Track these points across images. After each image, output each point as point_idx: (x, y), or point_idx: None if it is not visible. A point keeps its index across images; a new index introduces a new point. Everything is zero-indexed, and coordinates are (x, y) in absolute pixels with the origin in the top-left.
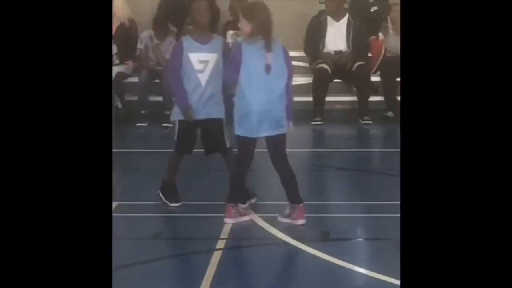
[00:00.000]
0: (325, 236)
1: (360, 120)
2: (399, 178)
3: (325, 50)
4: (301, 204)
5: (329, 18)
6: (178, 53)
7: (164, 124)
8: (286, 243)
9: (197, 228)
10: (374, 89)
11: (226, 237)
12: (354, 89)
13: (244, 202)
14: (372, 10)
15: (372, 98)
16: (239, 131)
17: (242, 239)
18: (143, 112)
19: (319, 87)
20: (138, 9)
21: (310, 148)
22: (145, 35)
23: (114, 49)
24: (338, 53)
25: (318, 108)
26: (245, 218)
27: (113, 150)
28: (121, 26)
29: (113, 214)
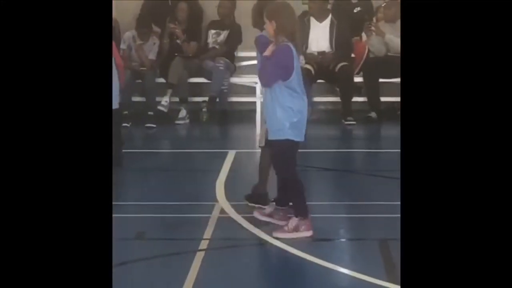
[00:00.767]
0: (308, 237)
1: (343, 120)
2: (383, 178)
3: (308, 51)
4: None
5: (312, 19)
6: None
7: (147, 125)
8: (269, 243)
9: (180, 228)
10: (357, 89)
11: (209, 237)
12: (337, 89)
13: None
14: (355, 11)
15: (355, 99)
16: (292, 136)
17: (225, 239)
18: (125, 112)
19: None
20: (121, 9)
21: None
22: (128, 35)
23: None
24: (321, 53)
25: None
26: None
27: None
28: None
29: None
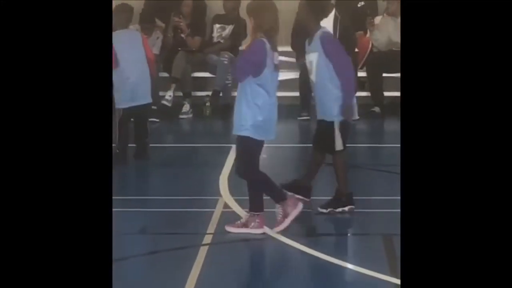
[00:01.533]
0: (311, 231)
1: None
2: (386, 173)
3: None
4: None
5: None
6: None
7: (151, 119)
8: (272, 238)
9: (183, 223)
10: (361, 84)
11: (213, 232)
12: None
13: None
14: (359, 5)
15: (358, 93)
16: (256, 135)
17: (228, 234)
18: (155, 107)
19: (306, 82)
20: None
21: (296, 143)
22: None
23: None
24: None
25: (304, 103)
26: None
27: None
28: None
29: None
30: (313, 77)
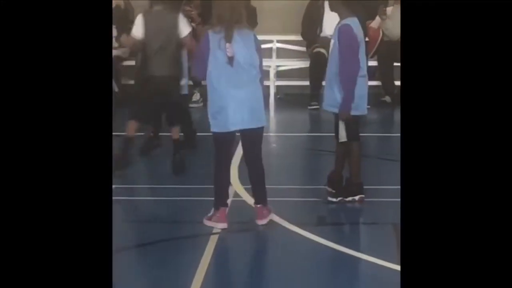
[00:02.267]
0: (321, 220)
1: None
2: (396, 162)
3: (322, 34)
4: (264, 206)
5: (326, 3)
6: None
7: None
8: (282, 227)
9: (193, 211)
10: (371, 73)
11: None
12: None
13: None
14: None
15: (369, 83)
16: (213, 127)
17: (238, 222)
18: None
19: (316, 71)
20: None
21: (307, 132)
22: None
23: (114, 32)
24: None
25: (315, 92)
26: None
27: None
28: (117, 8)
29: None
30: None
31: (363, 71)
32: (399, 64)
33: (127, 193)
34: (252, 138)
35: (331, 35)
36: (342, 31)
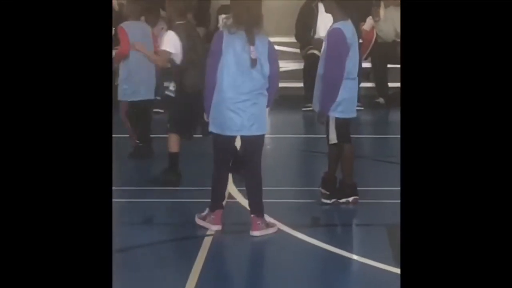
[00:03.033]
0: (315, 222)
1: None
2: (390, 164)
3: (316, 36)
4: (258, 216)
5: (320, 5)
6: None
7: (155, 110)
8: (277, 228)
9: (187, 213)
10: (365, 75)
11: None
12: None
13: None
14: None
15: (362, 84)
16: (212, 127)
17: (232, 224)
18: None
19: (310, 73)
20: None
21: (301, 134)
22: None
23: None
24: None
25: (309, 94)
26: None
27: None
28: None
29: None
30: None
31: (353, 74)
32: (392, 65)
33: (123, 195)
34: (252, 146)
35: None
36: (331, 35)
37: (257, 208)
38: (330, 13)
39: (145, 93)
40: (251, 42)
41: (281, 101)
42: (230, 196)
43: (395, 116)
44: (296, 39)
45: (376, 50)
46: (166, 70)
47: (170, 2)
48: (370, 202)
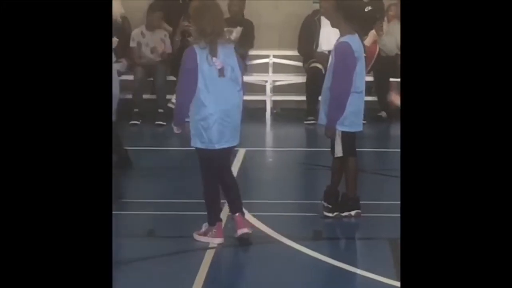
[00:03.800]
0: (317, 235)
1: None
2: (392, 178)
3: (318, 50)
4: (242, 214)
5: (323, 18)
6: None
7: (157, 122)
8: (278, 241)
9: (190, 226)
10: (368, 89)
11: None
12: None
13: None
14: (366, 10)
15: (365, 98)
16: (197, 143)
17: (234, 237)
18: (136, 110)
19: (313, 86)
20: (131, 8)
21: (303, 147)
22: (137, 32)
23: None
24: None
25: (311, 107)
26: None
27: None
28: (114, 23)
29: (115, 212)
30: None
31: (360, 88)
32: (395, 79)
33: (125, 208)
34: (227, 154)
35: (327, 50)
36: (339, 48)
37: (238, 206)
38: (336, 27)
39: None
40: (214, 53)
41: (283, 114)
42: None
43: (397, 129)
44: (299, 52)
45: (378, 64)
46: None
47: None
48: (372, 216)
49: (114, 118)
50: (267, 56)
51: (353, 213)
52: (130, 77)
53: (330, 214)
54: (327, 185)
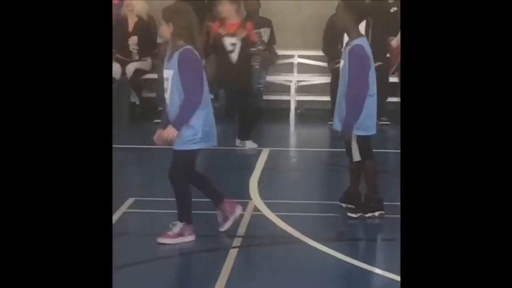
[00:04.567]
0: (340, 236)
1: (377, 120)
2: None
3: (343, 50)
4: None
5: None
6: None
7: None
8: (301, 242)
9: (213, 225)
10: (393, 90)
11: (242, 235)
12: None
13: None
14: (392, 10)
15: (390, 99)
16: (199, 144)
17: (257, 237)
18: (161, 109)
19: (337, 86)
20: (156, 6)
21: (326, 148)
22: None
23: (135, 44)
24: None
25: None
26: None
27: (130, 146)
28: (140, 22)
29: (129, 210)
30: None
31: (373, 91)
32: None
33: (143, 206)
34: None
35: None
36: (355, 51)
37: (220, 197)
38: (345, 31)
39: None
40: (201, 54)
41: (307, 114)
42: (256, 209)
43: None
44: (324, 52)
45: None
46: None
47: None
48: (396, 217)
49: None
50: (291, 56)
51: (376, 214)
52: (154, 76)
53: (354, 215)
54: (347, 187)
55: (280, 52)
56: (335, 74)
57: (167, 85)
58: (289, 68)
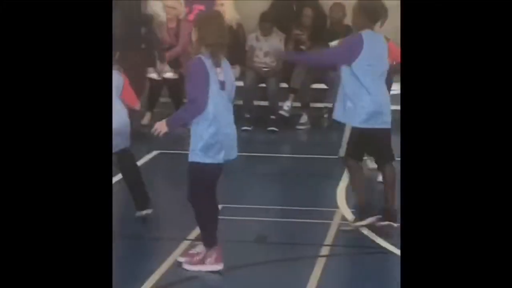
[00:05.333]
0: None
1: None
2: None
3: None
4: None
5: None
6: None
7: (270, 128)
8: (391, 253)
9: (301, 233)
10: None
11: (330, 243)
12: None
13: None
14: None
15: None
16: (205, 158)
17: (347, 246)
18: (248, 116)
19: None
20: (245, 14)
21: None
22: (252, 36)
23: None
24: None
25: None
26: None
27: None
28: (229, 29)
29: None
30: None
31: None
32: None
33: (232, 213)
34: (220, 170)
35: None
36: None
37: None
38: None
39: None
40: (218, 63)
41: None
42: (343, 218)
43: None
44: None
45: None
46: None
47: None
48: None
49: (127, 144)
50: None
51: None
52: (240, 83)
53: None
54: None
55: None
56: None
57: None
58: None
